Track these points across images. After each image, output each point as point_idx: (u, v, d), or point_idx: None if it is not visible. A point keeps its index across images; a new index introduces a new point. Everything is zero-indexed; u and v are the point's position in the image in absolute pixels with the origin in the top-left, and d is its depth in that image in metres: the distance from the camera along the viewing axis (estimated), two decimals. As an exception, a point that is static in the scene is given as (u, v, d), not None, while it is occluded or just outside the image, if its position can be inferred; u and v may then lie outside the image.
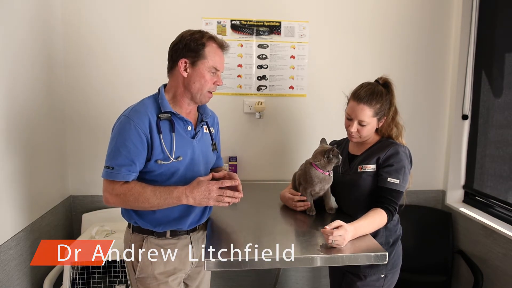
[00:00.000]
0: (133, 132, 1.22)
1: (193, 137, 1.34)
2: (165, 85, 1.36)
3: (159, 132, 1.25)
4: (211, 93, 1.33)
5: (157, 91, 1.35)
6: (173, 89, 1.32)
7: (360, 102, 1.41)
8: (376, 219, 1.35)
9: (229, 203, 1.25)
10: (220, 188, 1.24)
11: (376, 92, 1.42)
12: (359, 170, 1.46)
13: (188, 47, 1.26)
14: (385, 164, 1.41)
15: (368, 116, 1.41)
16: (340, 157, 1.46)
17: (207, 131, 1.43)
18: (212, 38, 1.30)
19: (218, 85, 1.32)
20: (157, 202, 1.22)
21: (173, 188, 1.23)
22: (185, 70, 1.28)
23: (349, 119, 1.46)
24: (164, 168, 1.27)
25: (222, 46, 1.32)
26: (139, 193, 1.22)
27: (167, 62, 1.33)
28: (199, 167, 1.35)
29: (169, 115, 1.28)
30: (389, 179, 1.38)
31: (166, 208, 1.27)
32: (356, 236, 1.29)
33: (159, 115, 1.27)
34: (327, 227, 1.23)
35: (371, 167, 1.43)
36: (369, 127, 1.43)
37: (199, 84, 1.27)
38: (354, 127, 1.43)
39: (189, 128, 1.33)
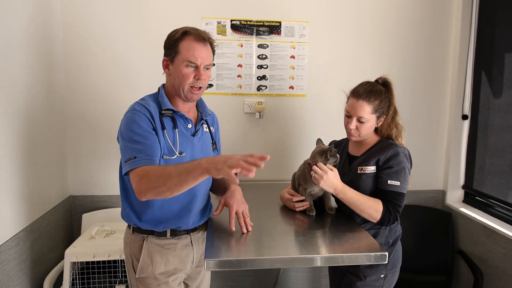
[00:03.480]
0: (142, 121, 1.22)
1: (193, 135, 1.35)
2: (164, 85, 1.38)
3: (163, 127, 1.27)
4: (199, 88, 1.28)
5: (156, 90, 1.37)
6: (167, 89, 1.35)
7: (359, 98, 1.41)
8: (370, 202, 1.37)
9: (243, 171, 1.01)
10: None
11: (375, 90, 1.43)
12: (358, 171, 1.46)
13: (167, 45, 1.29)
14: (385, 166, 1.41)
15: (367, 112, 1.41)
16: (338, 156, 1.47)
17: (207, 130, 1.43)
18: (186, 32, 1.26)
19: (198, 79, 1.26)
20: (178, 171, 1.08)
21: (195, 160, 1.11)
22: (167, 67, 1.30)
23: (348, 116, 1.47)
24: (169, 164, 1.27)
25: (199, 38, 1.26)
26: (161, 169, 1.13)
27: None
28: None
29: (170, 112, 1.30)
30: (389, 182, 1.39)
31: (167, 204, 1.29)
32: (337, 190, 1.38)
33: (162, 112, 1.29)
34: (322, 164, 1.40)
35: (371, 169, 1.43)
36: (368, 124, 1.44)
37: (178, 80, 1.27)
38: (353, 124, 1.44)
39: (190, 126, 1.34)
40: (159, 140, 1.25)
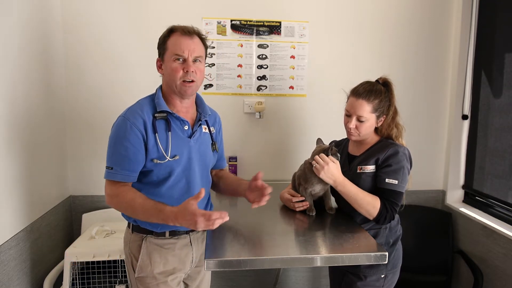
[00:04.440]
0: (129, 131, 1.23)
1: (190, 137, 1.33)
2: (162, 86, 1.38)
3: (154, 131, 1.26)
4: (190, 82, 1.26)
5: (154, 91, 1.37)
6: (164, 89, 1.34)
7: (359, 97, 1.42)
8: (368, 198, 1.37)
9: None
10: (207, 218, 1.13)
11: (375, 89, 1.43)
12: (358, 171, 1.46)
13: (158, 45, 1.31)
14: (383, 165, 1.41)
15: (367, 111, 1.41)
16: (339, 155, 1.46)
17: (207, 131, 1.42)
18: (173, 29, 1.28)
19: (187, 71, 1.24)
20: (144, 218, 1.22)
21: (162, 207, 1.17)
22: (160, 67, 1.32)
23: (348, 116, 1.47)
24: (161, 168, 1.27)
25: (184, 32, 1.26)
26: (130, 200, 1.21)
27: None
28: (196, 167, 1.35)
29: (165, 114, 1.29)
30: (387, 180, 1.38)
31: None
32: (337, 182, 1.38)
33: (155, 115, 1.28)
34: (324, 155, 1.40)
35: (370, 168, 1.43)
36: (368, 124, 1.44)
37: (169, 75, 1.27)
38: (353, 123, 1.44)
39: (186, 127, 1.33)
40: (149, 144, 1.25)
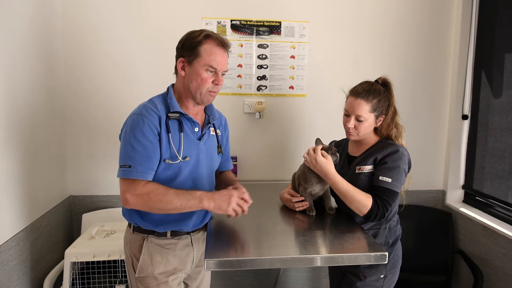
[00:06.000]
0: (146, 128, 1.21)
1: (199, 139, 1.34)
2: (173, 85, 1.36)
3: (168, 131, 1.25)
4: (214, 92, 1.29)
5: (165, 90, 1.36)
6: (178, 90, 1.33)
7: (358, 97, 1.42)
8: (360, 195, 1.37)
9: (237, 214, 1.27)
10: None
11: (373, 89, 1.43)
12: (357, 171, 1.45)
13: (186, 46, 1.27)
14: (380, 163, 1.41)
15: (366, 111, 1.41)
16: (338, 155, 1.47)
17: (214, 133, 1.43)
18: (209, 36, 1.26)
19: (216, 84, 1.28)
20: (180, 203, 1.20)
21: (195, 190, 1.25)
22: (183, 69, 1.29)
23: (347, 115, 1.47)
24: (171, 168, 1.27)
25: (221, 44, 1.27)
26: (163, 194, 1.20)
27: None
28: (203, 169, 1.35)
29: (178, 114, 1.29)
30: (380, 178, 1.38)
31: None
32: (328, 176, 1.38)
33: (168, 114, 1.27)
34: (318, 148, 1.41)
35: (369, 168, 1.43)
36: (367, 123, 1.44)
37: (196, 83, 1.26)
38: (352, 122, 1.44)
39: (196, 129, 1.33)
40: (162, 144, 1.24)
